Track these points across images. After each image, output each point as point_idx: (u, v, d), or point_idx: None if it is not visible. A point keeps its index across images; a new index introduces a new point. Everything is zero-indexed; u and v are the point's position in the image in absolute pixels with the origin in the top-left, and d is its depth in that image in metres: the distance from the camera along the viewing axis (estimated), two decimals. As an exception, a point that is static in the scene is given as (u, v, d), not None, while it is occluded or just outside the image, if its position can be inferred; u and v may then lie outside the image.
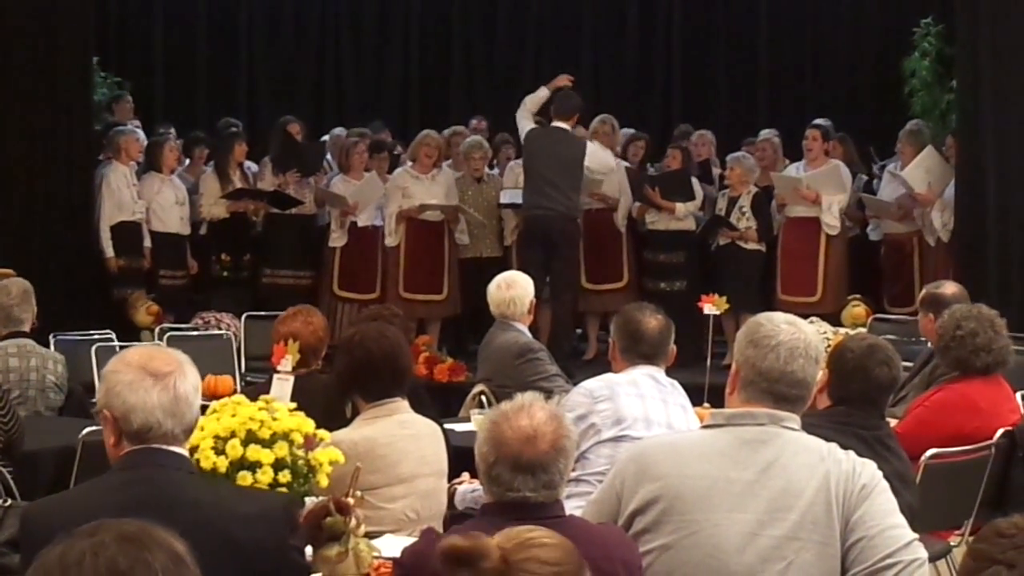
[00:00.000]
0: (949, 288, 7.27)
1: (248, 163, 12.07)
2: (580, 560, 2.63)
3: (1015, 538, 2.66)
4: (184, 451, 3.33)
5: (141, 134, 12.23)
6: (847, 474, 3.55)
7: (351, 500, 3.82)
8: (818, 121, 12.34)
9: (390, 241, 11.72)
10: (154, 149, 11.73)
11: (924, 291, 7.44)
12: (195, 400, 3.31)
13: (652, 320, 5.51)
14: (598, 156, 11.56)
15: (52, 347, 8.41)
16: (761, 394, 3.64)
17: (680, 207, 11.72)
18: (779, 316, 3.77)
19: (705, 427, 3.78)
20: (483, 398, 7.08)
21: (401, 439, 4.96)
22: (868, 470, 3.59)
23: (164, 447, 3.27)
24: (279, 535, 3.28)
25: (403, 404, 5.07)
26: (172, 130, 13.09)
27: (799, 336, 3.66)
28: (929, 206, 11.17)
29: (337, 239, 11.78)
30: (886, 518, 3.52)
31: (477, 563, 2.58)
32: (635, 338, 5.49)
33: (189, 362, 3.35)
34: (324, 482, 4.33)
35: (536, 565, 2.58)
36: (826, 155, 11.59)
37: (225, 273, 11.80)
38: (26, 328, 7.61)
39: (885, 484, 3.59)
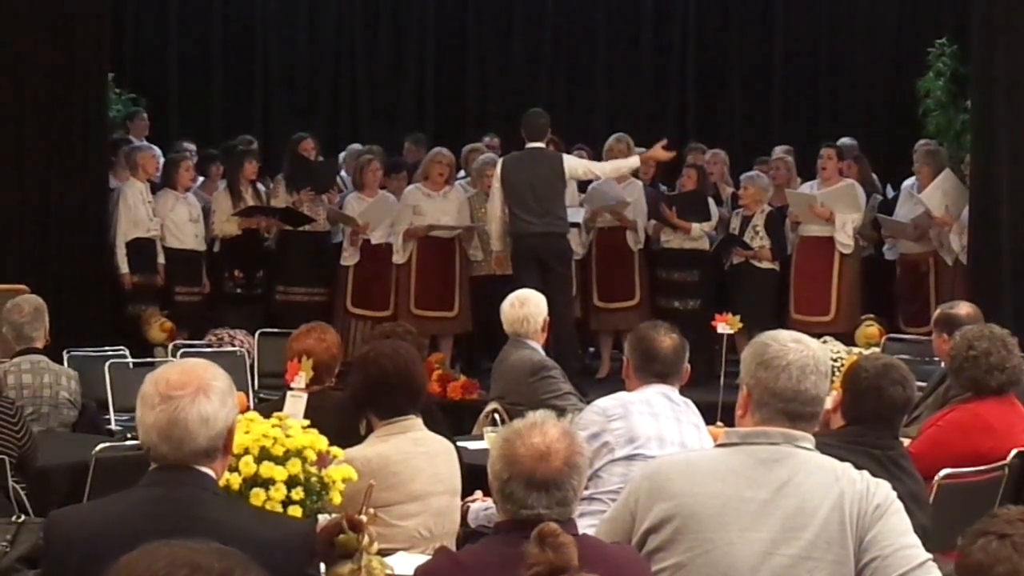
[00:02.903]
0: (963, 308, 7.25)
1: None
2: None
3: (1008, 516, 2.80)
4: (209, 471, 3.28)
5: (158, 151, 12.27)
6: (861, 494, 3.55)
7: (364, 517, 3.82)
8: (842, 141, 12.36)
9: (397, 259, 11.73)
10: (170, 166, 11.77)
11: (938, 311, 7.42)
12: (200, 428, 3.22)
13: (667, 339, 5.50)
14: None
15: (65, 363, 8.42)
16: (776, 414, 3.64)
17: (695, 227, 11.72)
18: (785, 335, 3.76)
19: (719, 446, 3.78)
20: (496, 416, 7.07)
21: (415, 456, 4.96)
22: (882, 490, 3.59)
23: (191, 466, 3.25)
24: (298, 564, 3.26)
25: (417, 422, 5.07)
26: (193, 147, 13.12)
27: (808, 353, 3.67)
28: (947, 228, 11.16)
29: (349, 257, 11.80)
30: (900, 538, 3.52)
31: (548, 548, 2.85)
32: (649, 357, 5.48)
33: (217, 386, 3.28)
34: (337, 499, 4.33)
35: None
36: (840, 175, 11.59)
37: (238, 290, 11.81)
38: (39, 345, 7.62)
39: (899, 504, 3.59)
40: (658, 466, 3.82)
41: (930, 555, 3.53)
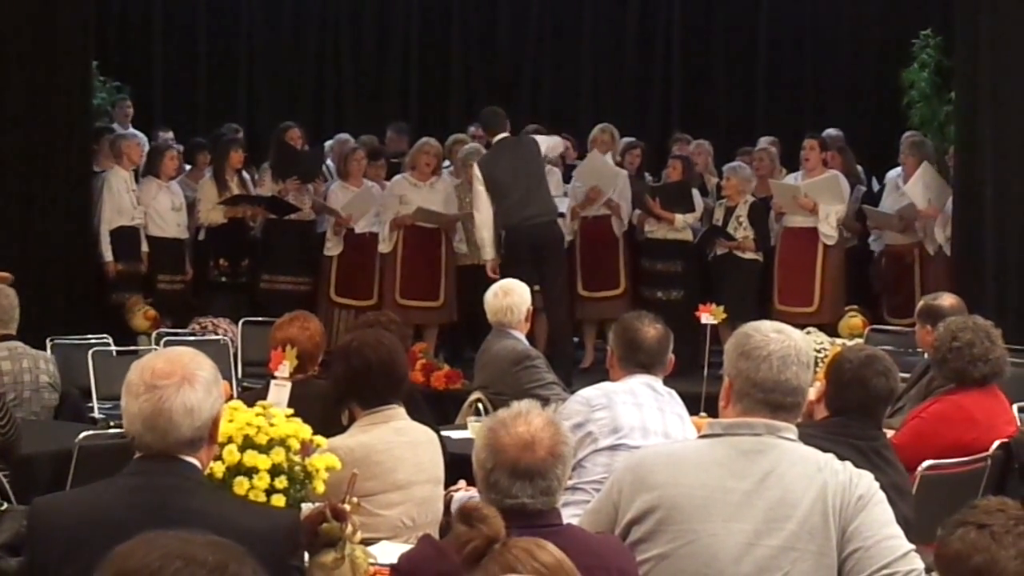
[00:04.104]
0: (946, 300, 7.26)
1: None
2: None
3: (987, 506, 2.83)
4: (194, 460, 3.27)
5: (143, 138, 12.24)
6: (844, 485, 3.56)
7: (347, 506, 3.82)
8: (827, 132, 12.37)
9: (383, 248, 11.71)
10: (154, 155, 11.75)
11: (921, 302, 7.43)
12: (184, 418, 3.21)
13: (651, 329, 5.50)
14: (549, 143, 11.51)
15: (48, 351, 8.41)
16: (757, 405, 3.65)
17: (679, 218, 11.72)
18: (767, 325, 3.77)
19: (702, 437, 3.78)
20: (480, 405, 7.07)
21: (397, 446, 4.96)
22: (865, 481, 3.60)
23: (176, 455, 3.24)
24: (281, 554, 3.25)
25: (400, 411, 5.07)
26: (170, 134, 13.10)
27: (789, 344, 3.67)
28: (932, 220, 11.17)
29: (332, 248, 11.79)
30: (883, 529, 3.53)
31: (476, 523, 2.78)
32: (633, 347, 5.48)
33: (202, 376, 3.26)
34: (321, 488, 4.33)
35: (523, 554, 2.68)
36: (824, 165, 11.59)
37: (223, 278, 11.80)
38: (14, 331, 7.63)
39: (882, 495, 3.60)
40: (641, 457, 3.82)
41: (912, 546, 3.55)
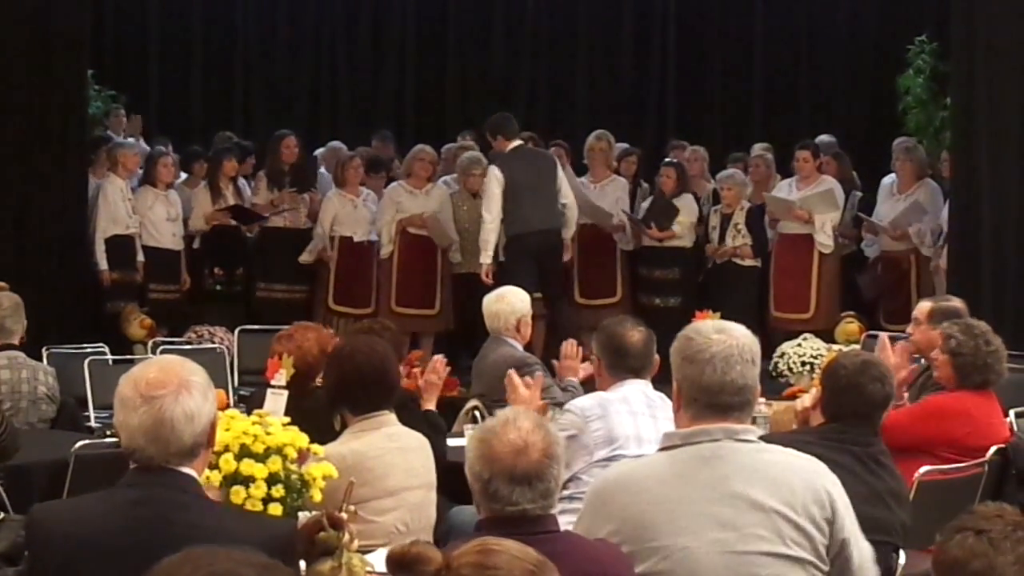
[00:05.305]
0: (956, 301, 7.32)
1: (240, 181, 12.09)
2: (538, 570, 2.57)
3: (985, 512, 2.84)
4: (191, 470, 3.26)
5: (140, 148, 12.23)
6: (810, 485, 3.57)
7: (345, 515, 3.81)
8: (821, 138, 12.35)
9: (384, 252, 11.68)
10: (148, 163, 11.74)
11: (931, 305, 7.36)
12: (186, 425, 3.20)
13: (635, 333, 5.51)
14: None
15: (45, 360, 8.40)
16: (706, 409, 3.63)
17: (678, 227, 11.69)
18: (708, 326, 3.75)
19: (662, 449, 3.75)
20: (477, 413, 7.07)
21: (389, 452, 4.97)
22: (829, 481, 3.61)
23: (171, 467, 3.22)
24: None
25: (391, 417, 5.07)
26: (169, 145, 13.10)
27: (731, 343, 3.65)
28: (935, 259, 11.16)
29: (306, 257, 11.72)
30: (853, 537, 3.56)
31: (416, 566, 2.59)
32: (621, 353, 5.49)
33: (197, 382, 3.26)
34: (318, 497, 4.33)
35: (474, 570, 2.55)
36: (819, 171, 11.57)
37: (218, 287, 11.81)
38: (16, 341, 7.60)
39: (846, 499, 3.63)
40: (603, 485, 3.80)
41: (870, 547, 3.57)
